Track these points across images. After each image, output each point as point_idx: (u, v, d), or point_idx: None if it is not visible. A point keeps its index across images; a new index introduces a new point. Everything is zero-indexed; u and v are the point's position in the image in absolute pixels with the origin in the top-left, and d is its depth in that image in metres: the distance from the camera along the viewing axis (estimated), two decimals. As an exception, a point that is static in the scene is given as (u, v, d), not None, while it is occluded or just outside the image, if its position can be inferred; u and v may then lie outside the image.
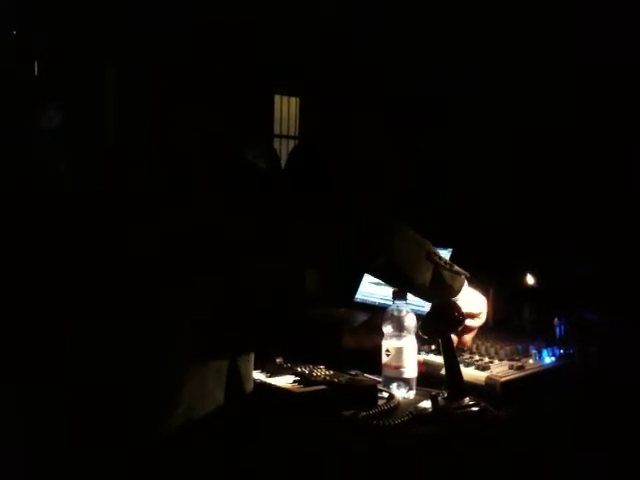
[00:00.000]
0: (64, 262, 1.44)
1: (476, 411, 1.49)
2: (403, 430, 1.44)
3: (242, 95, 3.17)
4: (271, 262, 1.54)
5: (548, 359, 1.73)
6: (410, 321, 1.65)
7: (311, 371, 1.66)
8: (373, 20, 3.31)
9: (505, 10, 2.90)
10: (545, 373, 1.68)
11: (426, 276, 1.57)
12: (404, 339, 1.64)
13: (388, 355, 1.64)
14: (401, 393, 1.61)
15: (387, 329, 1.65)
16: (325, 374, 1.64)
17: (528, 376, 1.64)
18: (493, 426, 1.50)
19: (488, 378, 1.60)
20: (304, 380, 1.60)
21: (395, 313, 1.66)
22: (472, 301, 1.66)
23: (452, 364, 1.55)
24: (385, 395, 1.59)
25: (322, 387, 1.56)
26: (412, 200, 3.15)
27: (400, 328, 1.64)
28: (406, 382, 1.63)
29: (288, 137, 4.52)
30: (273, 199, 1.54)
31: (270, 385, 1.60)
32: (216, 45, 2.98)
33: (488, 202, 2.85)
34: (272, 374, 1.66)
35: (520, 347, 1.77)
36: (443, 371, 1.58)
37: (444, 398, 1.52)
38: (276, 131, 4.43)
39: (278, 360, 1.77)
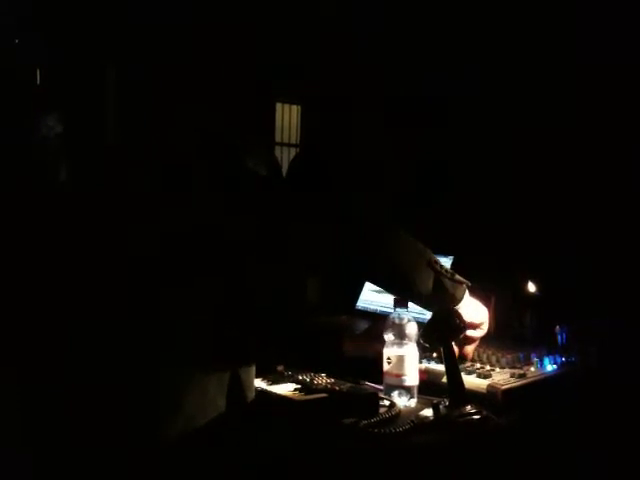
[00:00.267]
0: (64, 262, 1.43)
1: (478, 419, 1.49)
2: (404, 438, 1.44)
3: (242, 95, 3.16)
4: (271, 262, 1.54)
5: (550, 367, 1.73)
6: (411, 329, 1.65)
7: (312, 379, 1.66)
8: (373, 20, 3.30)
9: (505, 10, 2.89)
10: (547, 381, 1.68)
11: (427, 284, 1.57)
12: (405, 347, 1.63)
13: (389, 363, 1.64)
14: (402, 401, 1.61)
15: (388, 337, 1.65)
16: (326, 382, 1.64)
17: (530, 384, 1.64)
18: (495, 434, 1.50)
19: (489, 386, 1.60)
20: (305, 388, 1.60)
21: (396, 321, 1.66)
22: (474, 311, 1.66)
23: (453, 372, 1.55)
24: (386, 403, 1.59)
25: (323, 395, 1.56)
26: (412, 200, 3.15)
27: (401, 336, 1.64)
28: (407, 390, 1.63)
29: (289, 145, 4.52)
30: (273, 199, 1.53)
31: (271, 393, 1.60)
32: (216, 45, 2.97)
33: (488, 203, 2.84)
34: (273, 382, 1.66)
35: (521, 355, 1.77)
36: (444, 379, 1.58)
37: (445, 406, 1.52)
38: (277, 139, 4.43)
39: (279, 368, 1.76)
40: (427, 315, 1.69)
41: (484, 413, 1.50)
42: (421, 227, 1.91)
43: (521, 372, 1.67)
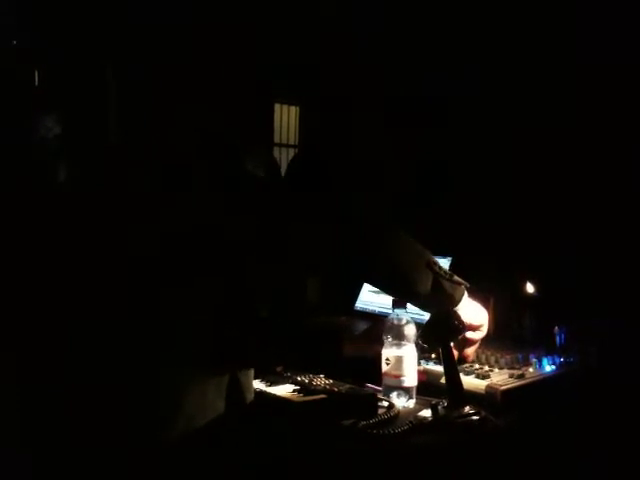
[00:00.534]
0: (64, 262, 1.43)
1: (476, 420, 1.49)
2: (403, 439, 1.44)
3: (242, 95, 3.17)
4: (271, 262, 1.54)
5: (548, 367, 1.73)
6: (410, 330, 1.65)
7: (311, 380, 1.66)
8: (373, 20, 3.30)
9: (505, 10, 2.89)
10: (545, 381, 1.68)
11: (426, 285, 1.57)
12: (404, 348, 1.63)
13: (388, 364, 1.64)
14: (401, 402, 1.61)
15: (387, 338, 1.65)
16: (325, 383, 1.64)
17: (528, 384, 1.64)
18: (493, 435, 1.50)
19: (488, 387, 1.60)
20: (304, 389, 1.60)
21: (395, 322, 1.66)
22: (473, 313, 1.66)
23: (452, 373, 1.55)
24: (385, 404, 1.59)
25: (322, 396, 1.56)
26: (412, 200, 3.15)
27: (400, 337, 1.64)
28: (406, 391, 1.63)
29: (288, 146, 4.52)
30: (273, 199, 1.53)
31: (270, 394, 1.60)
32: (216, 45, 2.97)
33: (488, 203, 2.85)
34: (272, 383, 1.66)
35: (520, 355, 1.78)
36: (443, 380, 1.58)
37: (444, 407, 1.52)
38: (276, 140, 4.43)
39: (278, 369, 1.77)
40: (426, 316, 1.69)
41: (483, 414, 1.50)
42: (421, 227, 1.91)
43: (520, 373, 1.67)
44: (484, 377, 1.65)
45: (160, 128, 1.76)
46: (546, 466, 1.60)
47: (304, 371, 1.72)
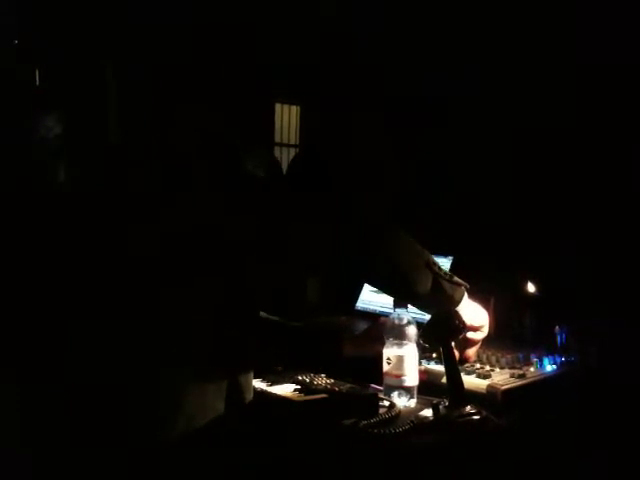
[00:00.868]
0: (64, 262, 1.43)
1: (477, 419, 1.49)
2: (404, 439, 1.44)
3: (242, 95, 3.17)
4: (271, 262, 1.54)
5: (549, 367, 1.73)
6: (411, 329, 1.65)
7: (312, 380, 1.66)
8: (373, 20, 3.30)
9: (505, 10, 2.89)
10: (546, 381, 1.69)
11: (426, 285, 1.56)
12: (405, 347, 1.63)
13: (389, 363, 1.64)
14: (402, 402, 1.61)
15: (388, 337, 1.65)
16: (326, 383, 1.64)
17: (529, 384, 1.64)
18: (494, 434, 1.50)
19: (489, 386, 1.60)
20: (305, 389, 1.60)
21: (396, 321, 1.66)
22: (473, 314, 1.65)
23: (453, 372, 1.55)
24: (386, 404, 1.59)
25: (323, 396, 1.56)
26: (412, 200, 3.15)
27: (401, 336, 1.64)
28: (407, 390, 1.63)
29: (289, 145, 4.52)
30: (273, 199, 1.53)
31: (271, 394, 1.60)
32: (216, 45, 2.97)
33: (488, 203, 2.85)
34: (273, 383, 1.66)
35: (521, 355, 1.78)
36: (444, 379, 1.58)
37: (445, 406, 1.52)
38: (277, 139, 4.42)
39: (279, 368, 1.77)
40: (427, 315, 1.69)
41: (484, 413, 1.50)
42: (421, 227, 1.91)
43: (521, 372, 1.68)
44: (485, 377, 1.65)
45: (160, 128, 1.76)
46: (547, 466, 1.60)
47: (305, 371, 1.72)
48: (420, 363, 1.70)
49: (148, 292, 1.41)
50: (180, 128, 1.74)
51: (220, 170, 1.51)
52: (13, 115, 1.80)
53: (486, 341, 1.75)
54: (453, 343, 1.60)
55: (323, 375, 1.69)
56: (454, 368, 1.55)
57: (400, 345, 1.63)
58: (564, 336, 1.86)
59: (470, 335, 1.66)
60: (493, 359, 1.76)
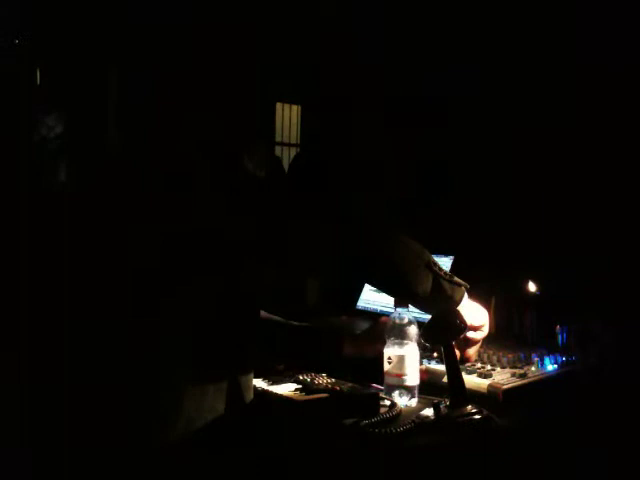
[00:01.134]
0: (64, 262, 1.43)
1: (478, 419, 1.49)
2: (405, 438, 1.44)
3: (243, 95, 3.16)
4: (271, 262, 1.54)
5: (550, 366, 1.73)
6: (412, 329, 1.65)
7: (313, 379, 1.66)
8: (373, 20, 3.30)
9: (505, 10, 2.89)
10: (547, 381, 1.68)
11: (426, 285, 1.56)
12: (406, 347, 1.63)
13: (390, 363, 1.64)
14: (403, 401, 1.61)
15: (389, 337, 1.65)
16: (327, 382, 1.64)
17: (530, 384, 1.64)
18: (495, 434, 1.50)
19: (490, 386, 1.60)
20: (306, 388, 1.60)
21: (397, 321, 1.66)
22: (473, 314, 1.65)
23: (454, 372, 1.55)
24: (387, 403, 1.58)
25: (324, 395, 1.56)
26: (412, 200, 3.15)
27: (402, 336, 1.64)
28: (408, 390, 1.62)
29: (289, 145, 4.52)
30: (273, 199, 1.53)
31: (272, 393, 1.60)
32: (216, 45, 2.97)
33: (488, 203, 2.85)
34: (274, 382, 1.66)
35: (522, 355, 1.78)
36: (445, 379, 1.58)
37: (446, 406, 1.52)
38: (277, 139, 4.43)
39: (280, 368, 1.76)
40: (428, 315, 1.69)
41: (485, 413, 1.50)
42: (421, 227, 1.91)
43: (522, 372, 1.67)
44: (486, 376, 1.65)
45: (160, 128, 1.76)
46: (548, 465, 1.60)
47: (306, 370, 1.72)
48: (421, 362, 1.70)
49: (148, 292, 1.41)
50: (180, 128, 1.74)
51: (221, 170, 1.52)
52: (14, 114, 1.79)
53: (487, 341, 1.76)
54: (454, 342, 1.59)
55: (324, 374, 1.70)
56: (455, 367, 1.55)
57: (401, 344, 1.63)
58: (565, 336, 1.86)
59: (470, 335, 1.66)
60: (494, 358, 1.76)
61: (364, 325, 2.06)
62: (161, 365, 1.40)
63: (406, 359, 1.63)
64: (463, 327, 1.58)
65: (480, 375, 1.66)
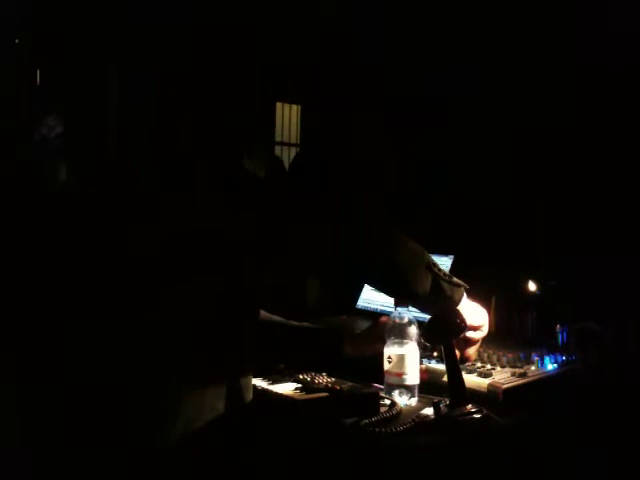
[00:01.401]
0: (64, 262, 1.43)
1: (478, 418, 1.48)
2: (405, 437, 1.43)
3: (243, 95, 3.17)
4: (271, 262, 1.54)
5: (550, 366, 1.73)
6: (412, 328, 1.64)
7: (313, 378, 1.66)
8: (373, 20, 3.30)
9: (505, 10, 2.89)
10: (547, 380, 1.68)
11: (425, 286, 1.56)
12: (406, 346, 1.63)
13: (390, 362, 1.64)
14: (403, 400, 1.61)
15: (389, 336, 1.65)
16: (327, 381, 1.64)
17: (530, 383, 1.64)
18: (495, 433, 1.50)
19: (490, 385, 1.60)
20: (306, 387, 1.60)
21: (397, 320, 1.66)
22: (473, 314, 1.65)
23: (454, 371, 1.55)
24: (387, 402, 1.58)
25: (324, 394, 1.56)
26: (412, 200, 3.15)
27: (402, 335, 1.64)
28: (408, 389, 1.62)
29: (289, 144, 4.52)
30: (273, 198, 1.53)
31: (272, 392, 1.60)
32: (216, 45, 2.97)
33: (488, 203, 2.85)
34: (274, 381, 1.66)
35: (522, 354, 1.78)
36: (445, 378, 1.57)
37: (446, 405, 1.51)
38: (277, 138, 4.43)
39: (280, 367, 1.76)
40: (427, 315, 1.69)
41: (485, 412, 1.49)
42: (421, 227, 1.91)
43: (522, 371, 1.67)
44: (486, 375, 1.65)
45: (160, 128, 1.76)
46: (548, 464, 1.60)
47: (306, 369, 1.72)
48: (421, 362, 1.70)
49: (148, 292, 1.40)
50: (180, 128, 1.74)
51: (220, 170, 1.52)
52: (15, 114, 1.80)
53: (487, 340, 1.76)
54: (454, 342, 1.59)
55: (324, 374, 1.69)
56: (455, 367, 1.55)
57: (401, 344, 1.63)
58: (565, 335, 1.87)
59: (470, 334, 1.66)
60: (494, 358, 1.76)
61: (364, 325, 2.06)
62: (161, 365, 1.39)
63: (406, 358, 1.62)
64: (463, 327, 1.58)
65: (480, 374, 1.66)
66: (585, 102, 2.59)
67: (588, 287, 2.11)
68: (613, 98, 2.51)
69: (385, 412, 1.51)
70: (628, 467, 1.71)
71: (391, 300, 1.71)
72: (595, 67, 2.55)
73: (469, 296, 1.64)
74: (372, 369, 1.69)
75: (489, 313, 1.71)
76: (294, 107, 4.47)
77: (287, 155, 4.39)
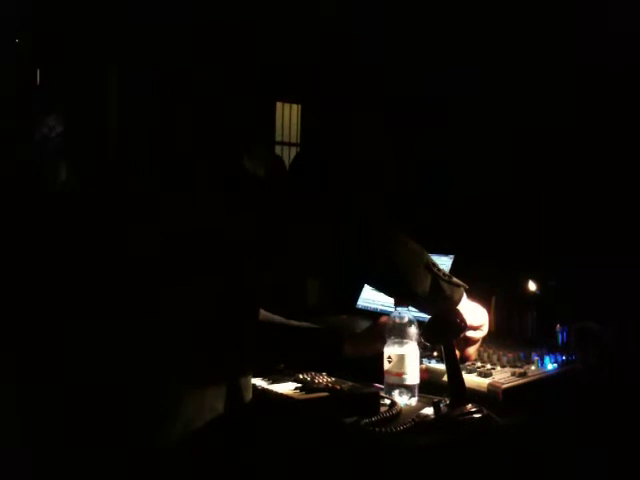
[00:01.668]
0: (64, 262, 1.43)
1: (478, 418, 1.48)
2: (405, 437, 1.43)
3: (243, 94, 3.17)
4: (271, 262, 1.54)
5: (550, 366, 1.73)
6: (412, 328, 1.65)
7: (313, 378, 1.66)
8: (373, 20, 3.30)
9: (505, 10, 2.89)
10: (547, 380, 1.68)
11: (425, 286, 1.56)
12: (406, 346, 1.63)
13: (390, 362, 1.64)
14: (403, 400, 1.61)
15: (389, 336, 1.65)
16: (327, 381, 1.64)
17: (530, 383, 1.64)
18: (495, 433, 1.50)
19: (490, 385, 1.60)
20: (306, 387, 1.60)
21: (397, 320, 1.66)
22: (473, 314, 1.65)
23: (454, 371, 1.55)
24: (387, 402, 1.58)
25: (324, 394, 1.56)
26: (412, 200, 3.15)
27: (402, 335, 1.64)
28: (408, 389, 1.62)
29: (290, 144, 4.52)
30: (273, 198, 1.53)
31: (272, 392, 1.60)
32: (216, 45, 2.97)
33: (488, 203, 2.85)
34: (274, 381, 1.66)
35: (522, 354, 1.78)
36: (445, 378, 1.57)
37: (446, 405, 1.51)
38: (277, 138, 4.42)
39: (280, 367, 1.77)
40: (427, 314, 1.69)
41: (485, 412, 1.49)
42: (421, 227, 1.91)
43: (522, 371, 1.67)
44: (486, 375, 1.65)
45: (160, 128, 1.76)
46: (548, 464, 1.60)
47: (306, 369, 1.72)
48: (421, 362, 1.70)
49: (148, 292, 1.40)
50: (180, 128, 1.74)
51: (220, 170, 1.51)
52: (14, 115, 1.80)
53: (487, 340, 1.76)
54: (454, 342, 1.59)
55: (324, 374, 1.69)
56: (455, 366, 1.55)
57: (401, 343, 1.63)
58: (565, 335, 1.87)
59: (470, 334, 1.66)
60: (494, 358, 1.76)
61: (364, 324, 2.06)
62: (161, 365, 1.39)
63: (406, 358, 1.62)
64: (463, 326, 1.58)
65: (480, 374, 1.66)
66: (585, 102, 2.59)
67: (588, 287, 2.11)
68: (613, 98, 2.51)
69: (385, 412, 1.51)
70: (628, 467, 1.71)
71: (391, 300, 1.71)
72: (595, 67, 2.55)
73: (469, 296, 1.64)
74: (372, 369, 1.69)
75: (489, 313, 1.71)
76: (294, 107, 4.46)
77: (287, 155, 4.39)
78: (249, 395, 1.53)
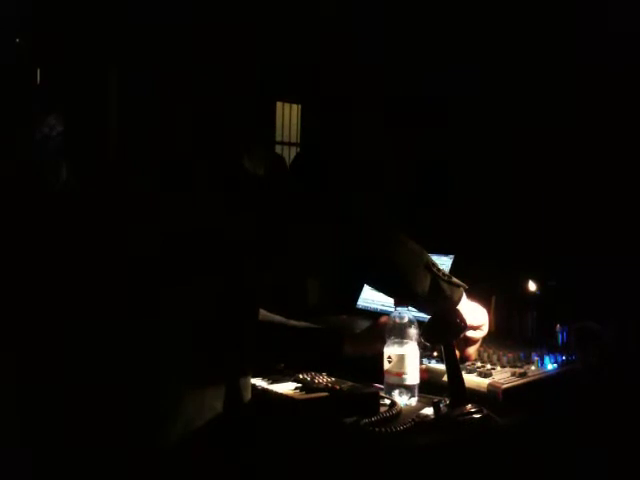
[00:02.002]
0: (64, 262, 1.43)
1: (478, 418, 1.48)
2: (405, 437, 1.43)
3: (243, 94, 3.17)
4: (271, 262, 1.54)
5: (550, 366, 1.73)
6: (412, 328, 1.65)
7: (313, 378, 1.66)
8: (373, 20, 3.30)
9: (505, 10, 2.89)
10: (547, 380, 1.68)
11: (425, 286, 1.56)
12: (406, 346, 1.63)
13: (390, 362, 1.64)
14: (403, 400, 1.61)
15: (389, 336, 1.65)
16: (327, 381, 1.64)
17: (530, 383, 1.64)
18: (495, 433, 1.50)
19: (490, 385, 1.60)
20: (306, 387, 1.60)
21: (397, 320, 1.66)
22: (473, 314, 1.65)
23: (454, 371, 1.55)
24: (387, 402, 1.58)
25: (324, 394, 1.56)
26: (412, 200, 3.15)
27: (402, 335, 1.64)
28: (408, 389, 1.62)
29: (290, 144, 4.52)
30: (273, 198, 1.53)
31: (272, 392, 1.60)
32: (216, 45, 2.97)
33: (488, 202, 2.85)
34: (274, 381, 1.66)
35: (522, 354, 1.78)
36: (445, 378, 1.57)
37: (446, 405, 1.51)
38: (278, 138, 4.43)
39: (280, 367, 1.76)
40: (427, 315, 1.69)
41: (485, 412, 1.49)
42: (421, 227, 1.91)
43: (522, 371, 1.67)
44: (486, 375, 1.65)
45: (160, 127, 1.75)
46: (548, 464, 1.60)
47: (306, 369, 1.72)
48: (421, 362, 1.70)
49: (148, 292, 1.40)
50: (180, 128, 1.74)
51: (220, 170, 1.51)
52: (13, 115, 1.79)
53: (487, 340, 1.76)
54: (454, 342, 1.59)
55: (324, 374, 1.69)
56: (455, 367, 1.55)
57: (401, 343, 1.63)
58: (565, 335, 1.87)
59: (470, 334, 1.66)
60: (494, 358, 1.76)
61: (364, 324, 2.06)
62: (161, 365, 1.39)
63: (406, 358, 1.63)
64: (463, 326, 1.58)
65: (480, 374, 1.66)
66: (585, 102, 2.59)
67: (588, 287, 2.11)
68: (613, 98, 2.51)
69: (385, 412, 1.51)
70: (628, 467, 1.71)
71: (391, 300, 1.71)
72: (595, 67, 2.55)
73: (469, 296, 1.64)
74: (372, 369, 1.69)
75: (489, 313, 1.71)
76: (294, 107, 4.47)
77: (287, 155, 4.39)
78: (248, 395, 1.53)
